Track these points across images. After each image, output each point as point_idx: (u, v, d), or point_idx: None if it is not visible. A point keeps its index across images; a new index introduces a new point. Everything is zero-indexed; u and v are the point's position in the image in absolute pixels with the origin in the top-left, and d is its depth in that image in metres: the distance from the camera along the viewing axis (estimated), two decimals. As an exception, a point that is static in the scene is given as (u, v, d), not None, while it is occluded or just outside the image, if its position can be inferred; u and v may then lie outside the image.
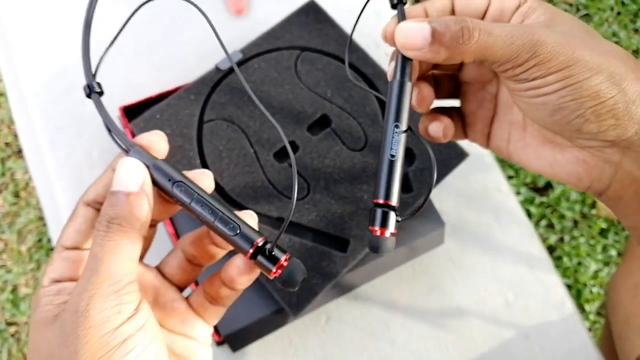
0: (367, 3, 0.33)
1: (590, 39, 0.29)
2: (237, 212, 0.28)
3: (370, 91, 0.32)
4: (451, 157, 0.52)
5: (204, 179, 0.29)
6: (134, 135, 0.51)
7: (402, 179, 0.30)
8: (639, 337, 0.55)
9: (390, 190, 0.29)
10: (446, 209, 0.57)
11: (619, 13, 1.39)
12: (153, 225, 0.31)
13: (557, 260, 1.15)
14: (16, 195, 1.21)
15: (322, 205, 0.48)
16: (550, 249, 1.16)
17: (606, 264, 1.15)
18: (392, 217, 0.29)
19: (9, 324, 1.12)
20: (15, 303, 1.12)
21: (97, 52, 0.31)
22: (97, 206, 0.29)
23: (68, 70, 0.60)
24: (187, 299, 0.31)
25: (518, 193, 1.19)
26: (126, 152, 0.28)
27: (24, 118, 0.60)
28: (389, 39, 0.31)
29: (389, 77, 0.31)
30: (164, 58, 0.61)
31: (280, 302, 0.47)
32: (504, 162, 1.18)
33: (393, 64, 0.31)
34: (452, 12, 0.33)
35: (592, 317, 1.11)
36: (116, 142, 0.28)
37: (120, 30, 0.31)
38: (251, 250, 0.27)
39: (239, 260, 0.29)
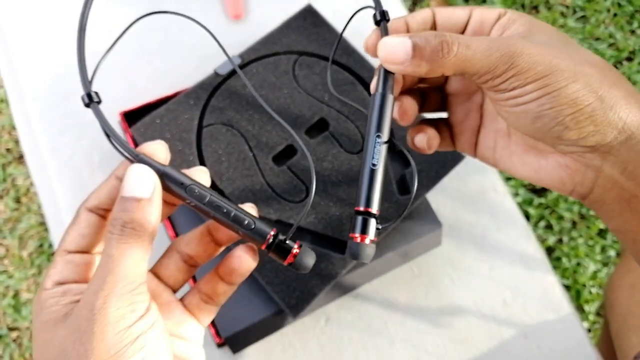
0: (358, 11, 0.34)
1: (568, 48, 0.30)
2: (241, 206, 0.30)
3: (352, 103, 0.34)
4: (448, 158, 0.52)
5: (201, 176, 0.30)
6: (134, 139, 0.52)
7: (383, 188, 0.31)
8: (637, 336, 0.56)
9: (371, 198, 0.30)
10: (443, 211, 0.58)
11: (615, 15, 1.40)
12: None
13: (556, 261, 1.15)
14: (17, 201, 1.21)
15: (320, 207, 0.49)
16: (549, 250, 1.16)
17: (605, 264, 1.15)
18: (373, 224, 0.30)
19: (11, 329, 1.12)
20: (16, 308, 1.13)
21: (98, 58, 0.31)
22: (100, 212, 0.30)
23: (68, 75, 0.61)
24: (181, 300, 0.32)
25: (516, 194, 1.19)
26: (131, 160, 0.29)
27: (24, 122, 0.61)
28: (370, 50, 0.33)
29: (372, 90, 0.32)
30: (164, 64, 0.62)
31: (279, 303, 0.47)
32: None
33: (376, 78, 0.32)
34: (434, 25, 0.34)
35: (591, 317, 1.11)
36: (119, 151, 0.29)
37: (117, 39, 0.31)
38: (269, 240, 0.29)
39: (239, 252, 0.30)
